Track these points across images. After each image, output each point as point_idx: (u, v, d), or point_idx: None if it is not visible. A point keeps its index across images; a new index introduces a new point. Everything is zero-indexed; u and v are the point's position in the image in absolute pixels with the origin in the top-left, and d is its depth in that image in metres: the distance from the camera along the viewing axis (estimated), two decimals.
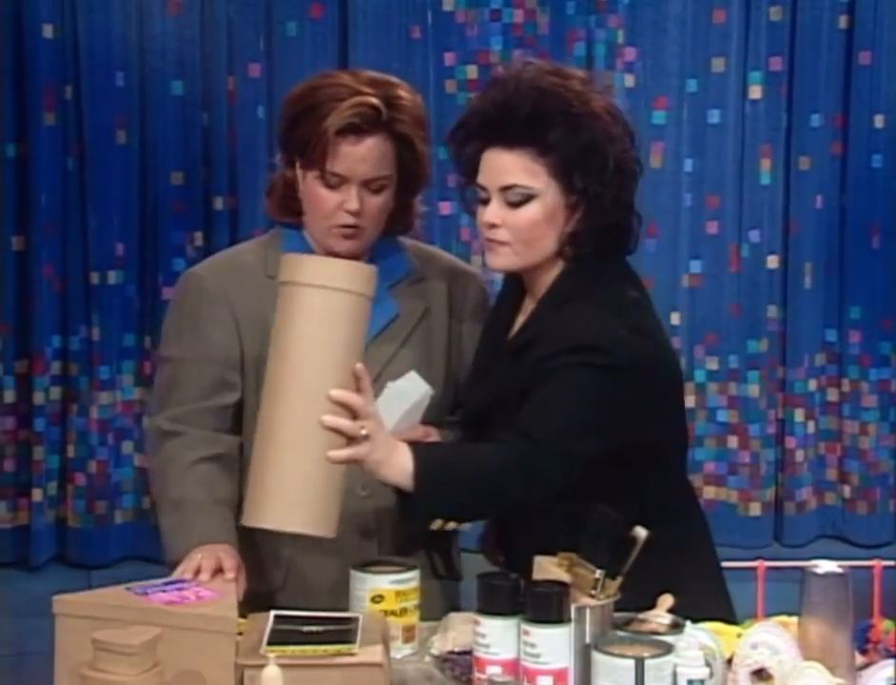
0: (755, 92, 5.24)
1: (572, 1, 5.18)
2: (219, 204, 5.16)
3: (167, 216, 5.12)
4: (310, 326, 1.89)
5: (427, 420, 2.28)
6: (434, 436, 2.29)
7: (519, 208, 2.16)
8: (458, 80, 5.21)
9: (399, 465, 2.00)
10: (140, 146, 5.09)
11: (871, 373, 5.36)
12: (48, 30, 4.98)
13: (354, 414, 1.94)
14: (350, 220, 2.25)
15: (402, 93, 2.27)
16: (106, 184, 5.04)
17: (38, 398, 5.05)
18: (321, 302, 1.89)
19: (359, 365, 1.93)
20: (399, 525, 2.24)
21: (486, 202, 2.19)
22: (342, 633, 1.93)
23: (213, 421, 2.25)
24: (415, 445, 2.04)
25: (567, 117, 2.14)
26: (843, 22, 5.26)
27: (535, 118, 2.14)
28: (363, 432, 1.94)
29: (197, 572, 2.05)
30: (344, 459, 1.94)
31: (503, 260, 2.20)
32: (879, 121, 5.26)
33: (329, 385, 1.88)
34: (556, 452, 2.07)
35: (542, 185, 2.16)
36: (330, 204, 2.25)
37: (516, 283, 2.29)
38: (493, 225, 2.17)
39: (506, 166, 2.16)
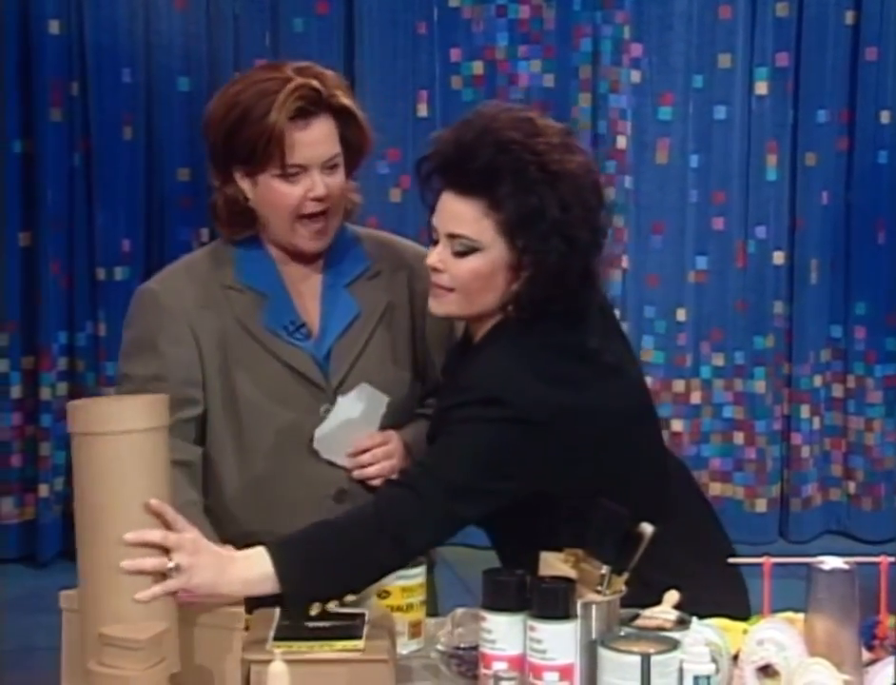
0: (761, 88, 5.24)
1: None
2: None
3: (174, 212, 5.12)
4: (98, 475, 1.77)
5: (398, 417, 2.30)
6: (394, 441, 2.29)
7: (463, 258, 2.10)
8: (464, 76, 5.21)
9: (245, 576, 1.92)
10: (146, 143, 5.09)
11: (877, 369, 5.36)
12: (54, 27, 4.98)
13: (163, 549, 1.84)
14: (318, 207, 2.24)
15: (323, 71, 2.27)
16: (112, 180, 5.05)
17: (45, 393, 5.06)
18: (104, 448, 1.77)
19: (153, 501, 1.80)
20: None
21: (436, 242, 2.14)
22: (349, 628, 1.94)
23: (175, 433, 2.15)
24: (269, 544, 1.96)
25: (518, 177, 2.06)
26: (849, 18, 5.26)
27: (489, 171, 2.06)
28: (171, 565, 1.83)
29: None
30: (155, 595, 1.81)
31: (444, 307, 2.15)
32: (885, 117, 5.26)
33: (125, 529, 1.77)
34: (434, 510, 2.01)
35: (488, 240, 2.08)
36: (293, 197, 2.24)
37: None
38: (435, 269, 2.13)
39: (456, 214, 2.10)
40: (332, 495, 2.27)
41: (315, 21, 5.13)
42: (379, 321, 2.32)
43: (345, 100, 2.26)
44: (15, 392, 5.10)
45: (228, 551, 1.97)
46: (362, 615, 1.99)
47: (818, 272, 5.34)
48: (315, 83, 2.23)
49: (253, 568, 1.93)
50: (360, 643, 1.90)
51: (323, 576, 1.98)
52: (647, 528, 1.91)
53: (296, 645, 1.88)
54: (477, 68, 5.21)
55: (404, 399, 2.33)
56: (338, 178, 2.27)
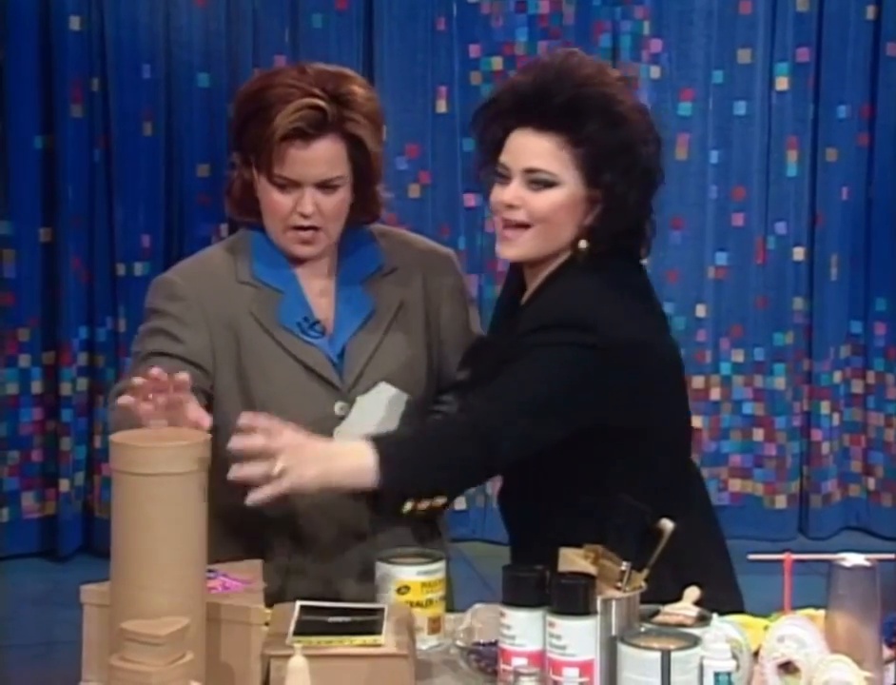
0: (782, 84, 5.22)
1: None
2: None
3: (193, 208, 5.13)
4: (135, 513, 1.78)
5: (413, 415, 2.28)
6: None
7: (541, 192, 2.14)
8: (484, 72, 5.20)
9: (349, 466, 2.01)
10: (166, 139, 5.11)
11: None
12: (75, 23, 5.00)
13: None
14: (305, 222, 2.23)
15: (355, 89, 2.22)
16: (132, 176, 5.06)
17: (65, 389, 5.08)
18: (141, 488, 1.76)
19: (245, 418, 1.94)
20: (392, 526, 2.25)
21: (504, 182, 2.16)
22: (368, 624, 1.94)
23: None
24: (372, 438, 2.04)
25: (605, 113, 2.13)
26: (870, 12, 5.24)
27: (574, 108, 2.12)
28: (277, 470, 1.92)
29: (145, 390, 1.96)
30: (268, 496, 1.92)
31: (517, 248, 2.16)
32: None
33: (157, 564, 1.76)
34: (516, 423, 2.07)
35: (566, 174, 2.14)
36: (283, 207, 2.23)
37: (518, 279, 2.26)
38: (511, 206, 2.15)
39: (534, 149, 2.14)
40: (348, 493, 2.23)
41: (334, 17, 5.13)
42: (394, 318, 2.31)
43: (356, 128, 2.20)
44: (36, 387, 5.12)
45: (327, 443, 2.05)
46: (382, 610, 1.99)
47: (838, 268, 5.32)
48: (322, 103, 2.17)
49: (356, 459, 2.01)
50: (379, 638, 1.90)
51: (418, 472, 2.06)
52: (667, 524, 1.91)
53: (315, 640, 1.89)
54: (497, 63, 5.21)
55: (419, 396, 2.31)
56: (334, 198, 2.23)
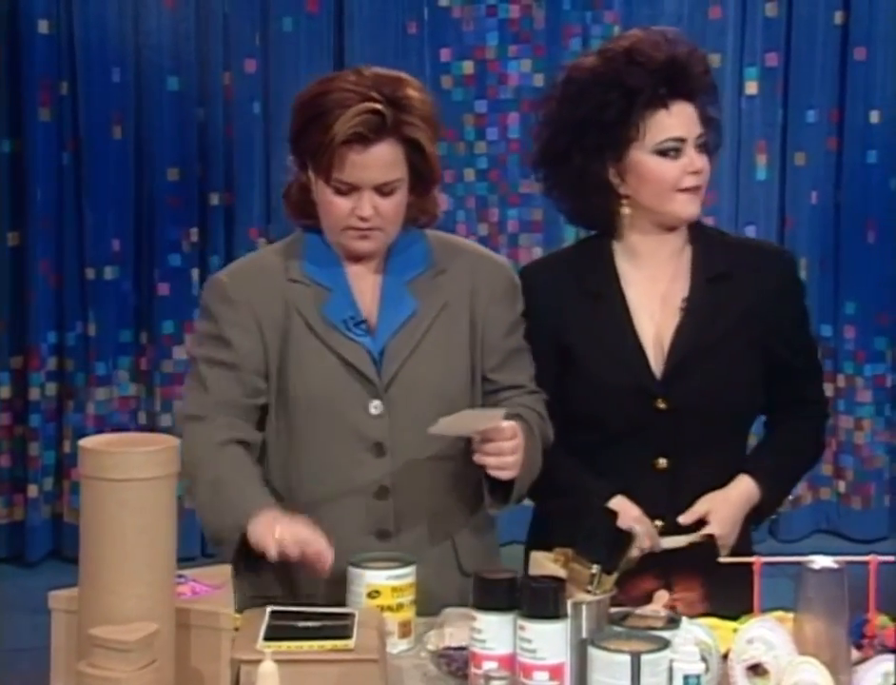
0: (751, 88, 5.24)
1: None
2: (214, 199, 5.16)
3: (163, 212, 5.12)
4: (103, 519, 1.77)
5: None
6: (519, 436, 2.22)
7: (704, 153, 2.37)
8: (455, 75, 5.21)
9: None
10: (135, 142, 5.09)
11: (866, 368, 5.37)
12: (43, 26, 4.97)
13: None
14: (363, 224, 2.24)
15: (411, 92, 2.24)
16: (101, 179, 5.04)
17: (34, 393, 5.05)
18: (110, 494, 1.76)
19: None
20: (415, 526, 2.26)
21: (674, 155, 2.34)
22: (339, 628, 1.93)
23: (238, 414, 2.26)
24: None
25: (704, 66, 2.39)
26: (838, 17, 5.26)
27: (700, 72, 2.37)
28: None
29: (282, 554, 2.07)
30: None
31: (698, 205, 2.39)
32: (874, 116, 5.26)
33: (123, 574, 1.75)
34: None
35: (706, 130, 2.38)
36: (342, 210, 2.24)
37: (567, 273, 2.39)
38: (699, 171, 2.35)
39: (693, 116, 2.36)
40: (374, 492, 2.26)
41: (305, 20, 5.12)
42: (436, 318, 2.30)
43: (413, 131, 2.22)
44: (4, 392, 5.09)
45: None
46: (352, 614, 1.99)
47: (808, 271, 5.33)
48: (380, 107, 2.19)
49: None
50: (349, 642, 1.90)
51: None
52: (636, 528, 1.92)
53: (285, 645, 1.88)
54: (468, 67, 5.21)
55: (456, 396, 2.29)
56: (393, 200, 2.24)
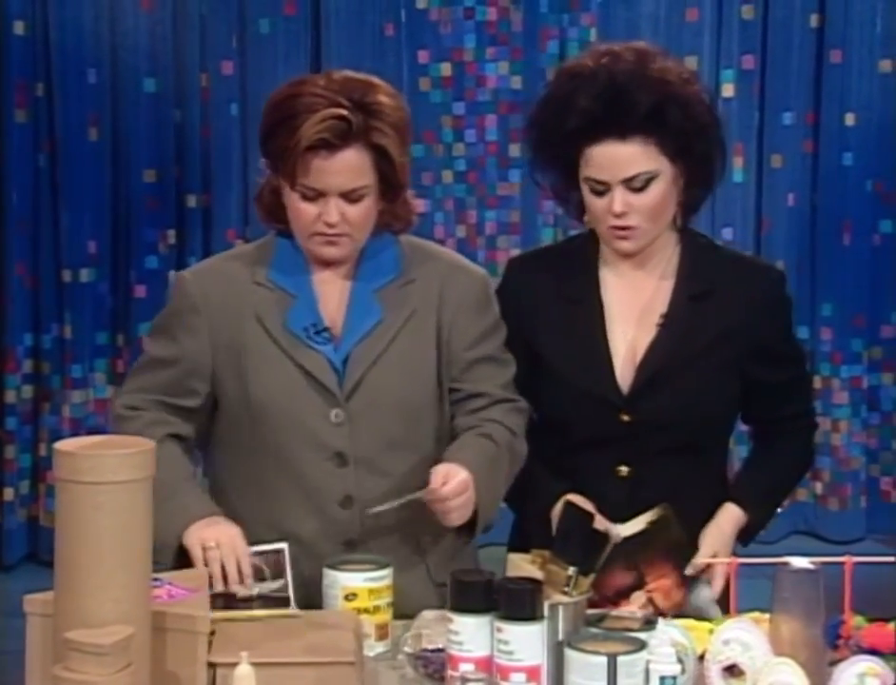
0: (728, 90, 5.26)
1: None
2: (191, 201, 5.15)
3: (140, 214, 5.10)
4: (78, 523, 1.76)
5: (416, 425, 2.26)
6: (462, 473, 2.18)
7: (645, 192, 2.27)
8: (432, 78, 5.21)
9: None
10: (112, 144, 5.07)
11: (843, 370, 5.39)
12: (18, 27, 4.95)
13: None
14: (330, 230, 2.22)
15: (382, 98, 2.21)
16: (78, 181, 5.02)
17: (10, 396, 5.03)
18: (84, 496, 1.75)
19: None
20: (383, 536, 2.24)
21: (602, 193, 2.27)
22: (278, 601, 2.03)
23: (168, 412, 2.27)
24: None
25: (679, 98, 2.26)
26: (814, 20, 5.28)
27: (652, 110, 2.24)
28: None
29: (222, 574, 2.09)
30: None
31: (637, 242, 2.31)
32: (850, 119, 5.29)
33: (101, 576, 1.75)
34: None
35: (659, 164, 2.27)
36: (308, 215, 2.22)
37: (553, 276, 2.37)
38: (622, 214, 2.26)
39: (627, 158, 2.25)
40: (339, 501, 2.25)
41: (282, 22, 5.11)
42: (402, 327, 2.27)
43: (381, 138, 2.18)
44: None
45: None
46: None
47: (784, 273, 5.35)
48: (346, 113, 2.16)
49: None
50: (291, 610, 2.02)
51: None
52: (613, 530, 1.92)
53: (232, 614, 1.95)
54: (445, 69, 5.21)
55: (421, 406, 2.27)
56: (360, 207, 2.21)
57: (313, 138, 2.16)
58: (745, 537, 2.36)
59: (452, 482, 2.15)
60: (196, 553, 2.11)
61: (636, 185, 2.26)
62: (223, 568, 2.10)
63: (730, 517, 2.33)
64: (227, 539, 2.12)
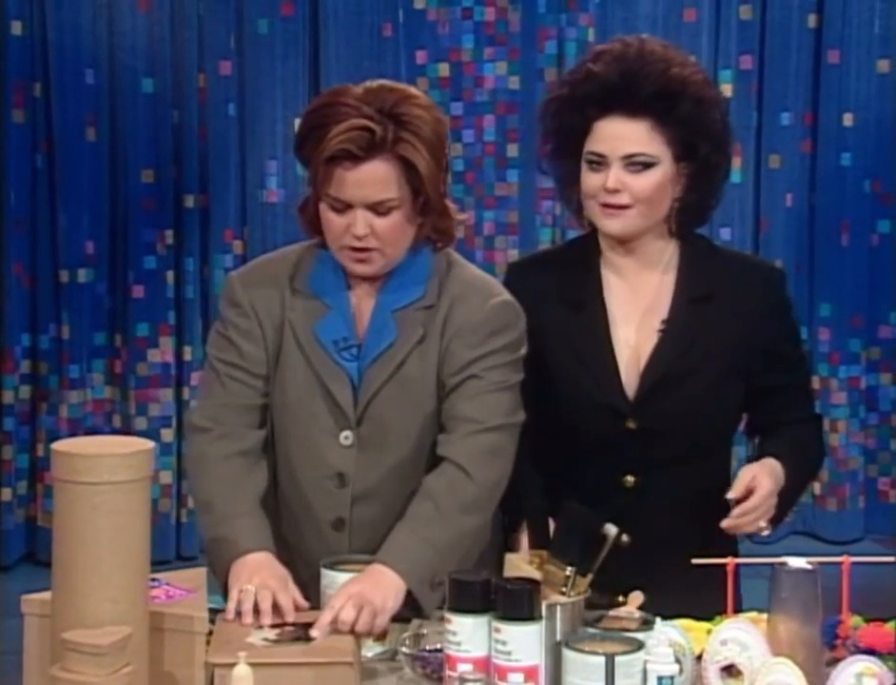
0: (726, 91, 5.24)
1: None
2: (189, 202, 5.15)
3: (138, 214, 5.10)
4: (76, 524, 1.77)
5: (418, 453, 2.23)
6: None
7: (642, 174, 2.27)
8: (430, 78, 5.21)
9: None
10: (110, 144, 5.07)
11: (841, 370, 5.39)
12: (16, 27, 4.96)
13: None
14: (358, 243, 2.17)
15: (415, 110, 2.15)
16: (75, 181, 5.02)
17: (7, 397, 5.03)
18: (82, 497, 1.76)
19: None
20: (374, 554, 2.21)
21: (599, 168, 2.28)
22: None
23: (240, 418, 2.24)
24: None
25: (692, 93, 2.28)
26: (812, 21, 5.29)
27: (664, 93, 2.26)
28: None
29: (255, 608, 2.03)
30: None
31: (624, 223, 2.29)
32: (848, 119, 5.29)
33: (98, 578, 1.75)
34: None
35: (661, 153, 2.27)
36: (338, 227, 2.17)
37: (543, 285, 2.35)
38: (614, 190, 2.26)
39: (629, 135, 2.27)
40: (331, 521, 2.24)
41: (280, 23, 5.12)
42: (413, 349, 2.21)
43: (408, 151, 2.12)
44: None
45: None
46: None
47: None
48: (371, 124, 2.10)
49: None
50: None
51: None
52: (611, 529, 1.92)
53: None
54: (443, 69, 5.22)
55: (424, 435, 2.23)
56: (389, 220, 2.15)
57: (335, 148, 2.11)
58: (780, 502, 2.25)
59: None
60: (232, 594, 2.06)
61: (634, 165, 2.26)
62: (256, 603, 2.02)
63: (772, 461, 2.28)
64: (273, 584, 2.05)
